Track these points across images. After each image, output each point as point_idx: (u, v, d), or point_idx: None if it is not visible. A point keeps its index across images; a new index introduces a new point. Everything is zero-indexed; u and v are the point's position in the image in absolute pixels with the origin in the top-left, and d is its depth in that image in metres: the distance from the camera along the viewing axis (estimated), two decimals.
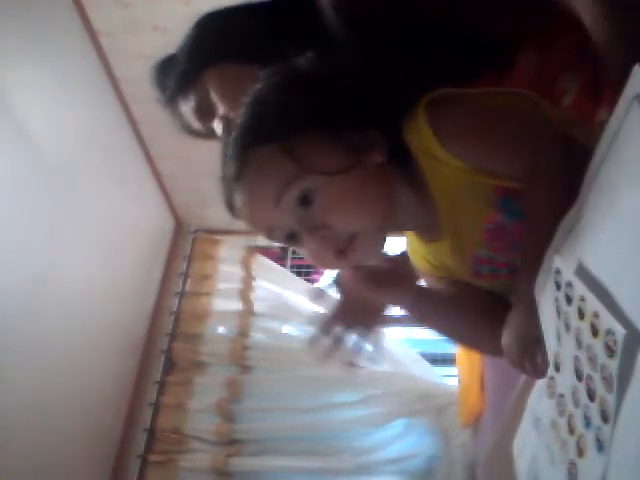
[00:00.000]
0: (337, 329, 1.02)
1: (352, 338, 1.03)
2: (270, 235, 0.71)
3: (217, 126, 0.98)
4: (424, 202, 0.73)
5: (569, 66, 0.85)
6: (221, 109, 0.96)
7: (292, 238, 0.70)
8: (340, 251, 0.68)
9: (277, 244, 0.79)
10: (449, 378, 2.72)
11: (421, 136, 0.68)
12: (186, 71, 0.97)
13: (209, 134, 1.04)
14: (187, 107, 1.01)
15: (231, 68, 0.94)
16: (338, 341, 1.03)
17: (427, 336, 3.11)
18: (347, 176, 0.67)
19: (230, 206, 0.72)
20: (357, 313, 1.03)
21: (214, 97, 0.95)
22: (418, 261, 0.86)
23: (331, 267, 0.78)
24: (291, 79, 0.72)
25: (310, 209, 0.66)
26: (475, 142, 0.66)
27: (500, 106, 0.70)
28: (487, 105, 0.70)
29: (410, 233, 0.83)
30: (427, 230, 0.77)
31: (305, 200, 0.66)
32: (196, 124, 1.01)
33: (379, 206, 0.70)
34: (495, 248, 0.73)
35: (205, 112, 0.97)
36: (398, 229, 0.78)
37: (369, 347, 1.06)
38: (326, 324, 1.02)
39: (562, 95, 0.87)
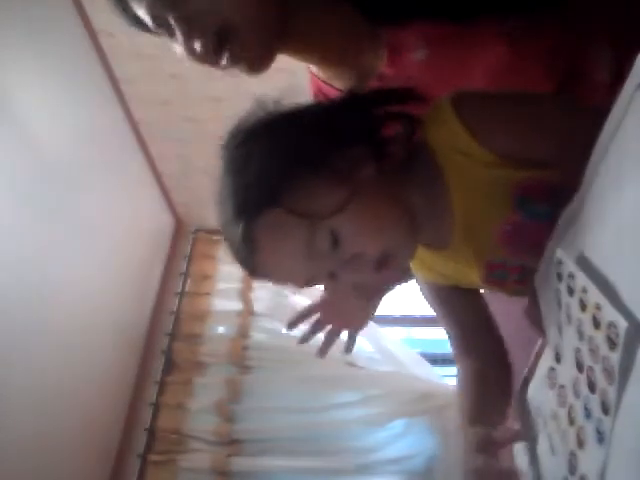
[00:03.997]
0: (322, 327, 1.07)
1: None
2: (310, 284, 0.72)
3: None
4: (435, 205, 0.72)
5: (600, 41, 0.83)
6: None
7: (333, 277, 0.71)
8: (378, 268, 0.69)
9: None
10: (449, 378, 2.71)
11: (451, 134, 0.68)
12: None
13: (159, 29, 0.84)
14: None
15: None
16: (329, 338, 1.08)
17: (427, 336, 3.12)
18: (354, 204, 0.67)
19: (252, 272, 0.72)
20: (340, 312, 1.07)
21: None
22: (425, 274, 0.86)
23: (375, 284, 0.79)
24: (258, 132, 0.70)
25: (340, 247, 0.67)
26: (509, 128, 0.66)
27: (525, 93, 0.71)
28: (511, 92, 0.71)
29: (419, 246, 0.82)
30: (437, 235, 0.76)
31: (335, 242, 0.67)
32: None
33: (396, 215, 0.70)
34: (509, 252, 0.72)
35: None
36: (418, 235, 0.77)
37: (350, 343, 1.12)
38: (314, 324, 1.08)
39: (593, 70, 0.84)
